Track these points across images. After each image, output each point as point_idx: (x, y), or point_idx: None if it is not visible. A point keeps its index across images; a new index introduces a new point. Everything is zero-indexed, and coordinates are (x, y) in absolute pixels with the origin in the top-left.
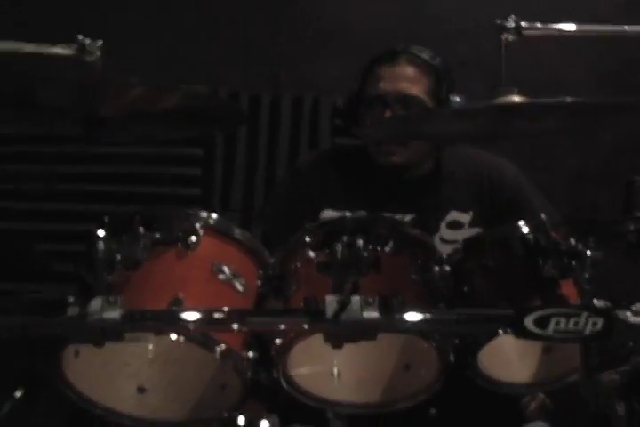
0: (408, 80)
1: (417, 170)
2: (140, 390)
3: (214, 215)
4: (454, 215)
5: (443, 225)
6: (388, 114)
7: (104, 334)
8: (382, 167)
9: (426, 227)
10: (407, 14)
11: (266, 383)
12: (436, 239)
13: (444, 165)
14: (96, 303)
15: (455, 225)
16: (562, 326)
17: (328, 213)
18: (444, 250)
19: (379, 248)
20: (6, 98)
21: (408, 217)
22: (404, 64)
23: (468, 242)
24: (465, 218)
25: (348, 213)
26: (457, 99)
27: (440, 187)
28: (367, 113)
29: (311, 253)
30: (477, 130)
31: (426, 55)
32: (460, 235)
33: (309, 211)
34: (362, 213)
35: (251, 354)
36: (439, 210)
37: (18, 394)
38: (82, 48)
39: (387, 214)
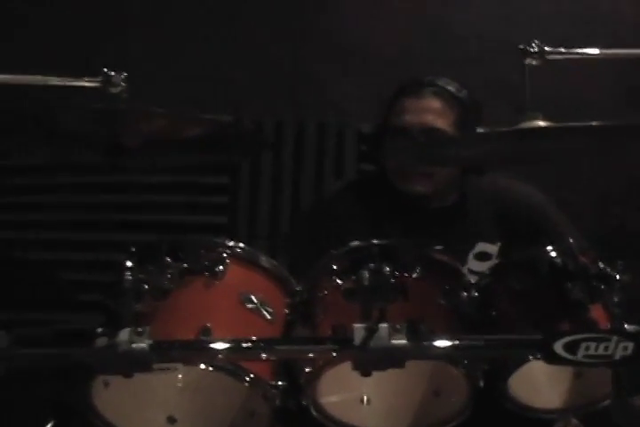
0: (433, 113)
1: (442, 201)
2: (170, 419)
3: (241, 244)
4: (482, 247)
5: (470, 256)
6: None
7: (133, 364)
8: (407, 199)
9: None
10: (432, 37)
11: (294, 411)
12: (465, 270)
13: (470, 196)
14: (124, 334)
15: (483, 257)
16: (592, 350)
17: None
18: (474, 281)
19: (405, 274)
20: (34, 128)
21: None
22: (430, 97)
23: (496, 267)
24: (493, 249)
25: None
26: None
27: (466, 218)
28: (391, 144)
29: (338, 281)
30: (501, 154)
31: (452, 88)
32: (488, 266)
33: (337, 244)
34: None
35: (280, 382)
36: (466, 242)
37: (49, 426)
38: (107, 80)
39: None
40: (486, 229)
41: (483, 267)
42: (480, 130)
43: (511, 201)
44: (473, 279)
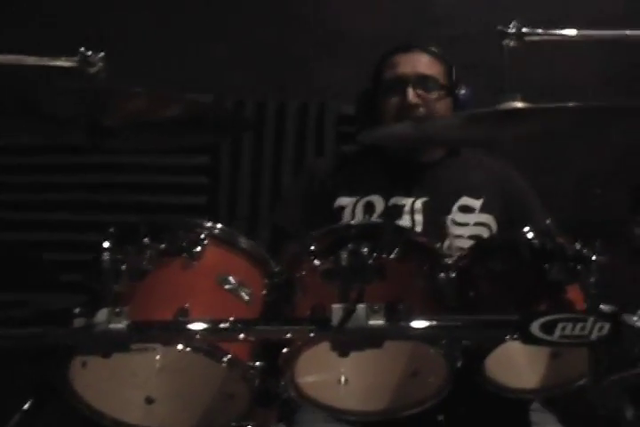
0: (424, 63)
1: (430, 155)
2: (148, 400)
3: (219, 225)
4: (466, 200)
5: (455, 208)
6: (411, 95)
7: (110, 345)
8: (396, 154)
9: (438, 209)
10: (412, 19)
11: (274, 392)
12: (448, 220)
13: (457, 152)
14: (102, 314)
15: (466, 209)
16: (568, 331)
17: (343, 201)
18: (456, 231)
19: (384, 255)
20: (11, 109)
21: (421, 200)
22: (417, 51)
23: (474, 248)
24: (476, 204)
25: (353, 221)
26: (463, 91)
27: (453, 172)
28: (388, 99)
29: (316, 261)
30: (481, 135)
31: (434, 47)
32: (472, 219)
33: (324, 199)
34: (367, 220)
35: (258, 363)
36: (451, 194)
37: (26, 406)
38: (84, 60)
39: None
40: (471, 184)
41: (466, 219)
42: (461, 90)
43: (496, 165)
44: (456, 230)
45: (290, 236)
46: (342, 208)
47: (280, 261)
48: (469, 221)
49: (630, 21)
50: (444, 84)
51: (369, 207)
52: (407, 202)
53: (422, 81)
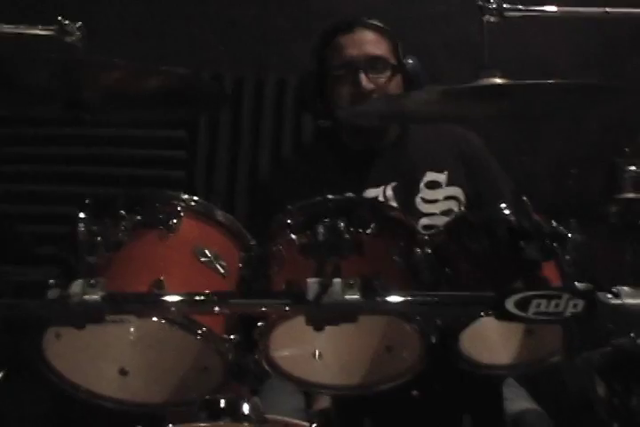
0: (370, 43)
1: (386, 137)
2: (122, 372)
3: (195, 198)
4: (431, 176)
5: (422, 186)
6: (364, 80)
7: (85, 316)
8: (352, 143)
9: (408, 191)
10: None
11: (248, 366)
12: (418, 200)
13: (412, 128)
14: (77, 285)
15: (434, 185)
16: (542, 307)
17: None
18: (427, 209)
19: (360, 230)
20: None
21: (390, 186)
22: (361, 30)
23: (450, 224)
24: (441, 178)
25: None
26: (410, 61)
27: (411, 150)
28: (339, 86)
29: (292, 236)
30: (460, 111)
31: (376, 21)
32: (440, 194)
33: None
34: (343, 196)
35: (232, 336)
36: (415, 172)
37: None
38: (61, 29)
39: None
40: (432, 158)
41: (435, 195)
42: (409, 60)
43: (453, 133)
44: (427, 208)
45: None
46: None
47: (256, 235)
48: (439, 197)
49: None
50: (394, 62)
51: None
52: (378, 192)
53: (373, 63)
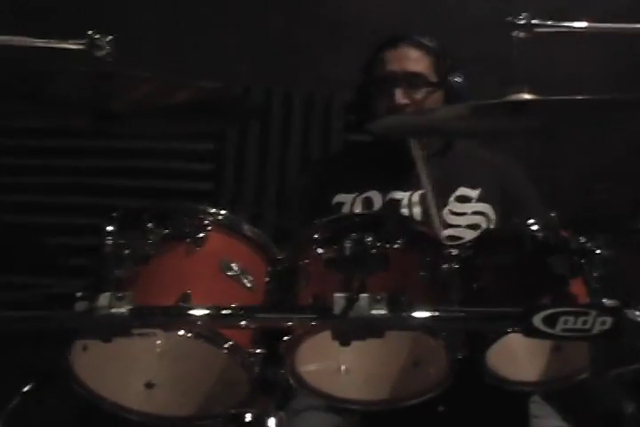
0: (412, 60)
1: (427, 148)
2: (149, 385)
3: (223, 211)
4: (463, 191)
5: (452, 199)
6: (398, 94)
7: (112, 329)
8: (391, 147)
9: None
10: (423, 8)
11: (274, 380)
12: (446, 211)
13: (458, 145)
14: (104, 298)
15: (464, 199)
16: (570, 324)
17: (341, 197)
18: (453, 221)
19: (387, 245)
20: (19, 91)
21: (418, 193)
22: (406, 47)
23: (478, 240)
24: (473, 194)
25: (357, 210)
26: (457, 79)
27: (449, 164)
28: (378, 98)
29: (319, 250)
30: (488, 126)
31: (424, 39)
32: (469, 208)
33: (322, 197)
34: (372, 210)
35: (258, 350)
36: (448, 185)
37: (26, 389)
38: (92, 43)
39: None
40: (468, 175)
41: (463, 208)
42: (455, 78)
43: (494, 157)
44: (454, 220)
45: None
46: (341, 205)
47: (283, 249)
48: (467, 211)
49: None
50: (434, 79)
51: (367, 203)
52: (404, 196)
53: (410, 79)
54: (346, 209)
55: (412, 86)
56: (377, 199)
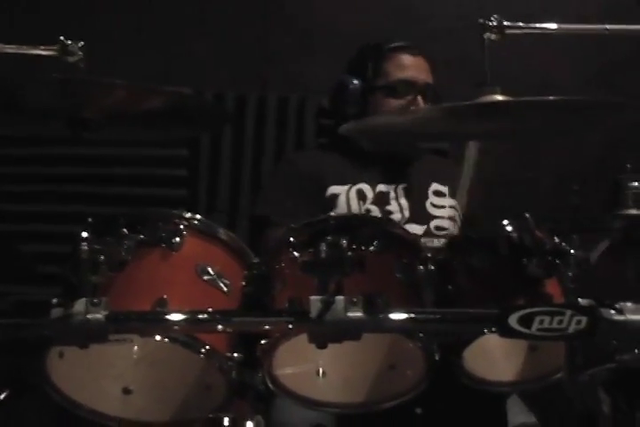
0: (428, 72)
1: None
2: (126, 391)
3: (198, 216)
4: (436, 186)
5: (429, 192)
6: (421, 101)
7: (88, 335)
8: (370, 148)
9: (417, 194)
10: (393, 13)
11: (251, 384)
12: (428, 204)
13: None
14: (80, 305)
15: (439, 194)
16: (546, 324)
17: (335, 189)
18: (436, 213)
19: (363, 248)
20: None
21: (401, 186)
22: (422, 57)
23: (453, 241)
24: (444, 189)
25: (332, 213)
26: None
27: (425, 161)
28: (390, 100)
29: (295, 253)
30: (461, 128)
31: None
32: (446, 202)
33: (314, 188)
34: (346, 213)
35: (236, 355)
36: (425, 180)
37: (2, 396)
38: (64, 49)
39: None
40: (438, 174)
41: (442, 202)
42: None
43: None
44: (436, 212)
45: (274, 224)
46: (336, 196)
47: (260, 253)
48: (445, 204)
49: (610, 17)
50: (434, 95)
51: (361, 194)
52: (390, 189)
53: (428, 91)
54: (341, 200)
55: (427, 97)
56: (368, 192)
